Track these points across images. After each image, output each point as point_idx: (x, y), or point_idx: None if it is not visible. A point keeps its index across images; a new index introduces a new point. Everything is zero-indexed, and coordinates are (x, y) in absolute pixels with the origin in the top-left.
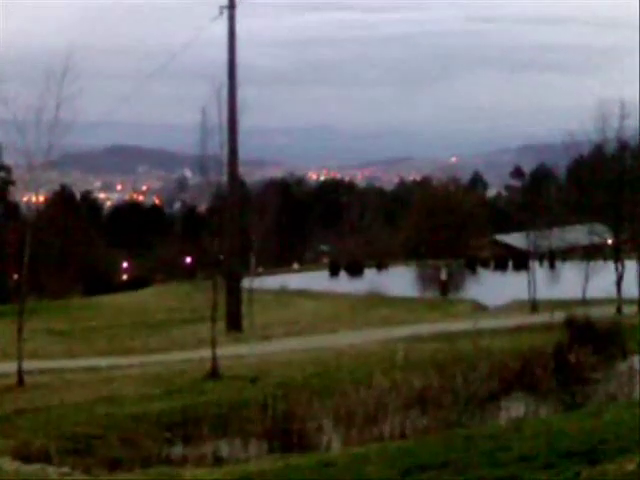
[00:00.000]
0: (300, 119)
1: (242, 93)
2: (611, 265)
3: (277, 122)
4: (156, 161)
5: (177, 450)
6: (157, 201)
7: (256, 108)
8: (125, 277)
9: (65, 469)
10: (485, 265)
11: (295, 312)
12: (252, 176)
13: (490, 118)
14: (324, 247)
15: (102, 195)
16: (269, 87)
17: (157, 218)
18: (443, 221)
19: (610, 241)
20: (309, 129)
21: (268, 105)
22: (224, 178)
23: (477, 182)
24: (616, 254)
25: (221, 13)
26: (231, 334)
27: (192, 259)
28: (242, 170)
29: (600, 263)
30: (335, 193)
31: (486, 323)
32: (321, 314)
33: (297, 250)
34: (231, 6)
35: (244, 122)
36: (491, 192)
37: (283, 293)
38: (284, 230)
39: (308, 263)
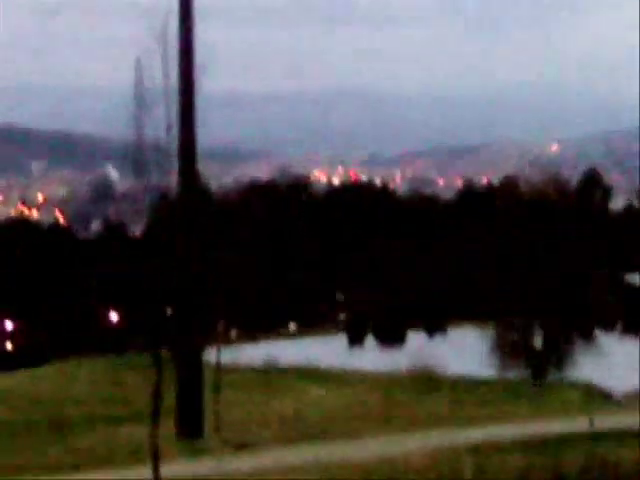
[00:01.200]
0: (302, 80)
1: (203, 36)
2: None
3: (263, 85)
4: (60, 153)
5: None
6: (61, 218)
7: (228, 62)
8: (9, 347)
9: None
10: (608, 324)
11: (292, 403)
12: (222, 177)
13: (615, 78)
14: (339, 296)
15: None
16: (249, 27)
17: (62, 246)
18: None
19: None
20: (316, 96)
21: (247, 56)
22: (173, 180)
23: (593, 185)
24: None
25: None
26: (185, 441)
27: (120, 317)
28: (204, 167)
29: None
30: (358, 204)
31: (609, 421)
32: (335, 407)
33: (295, 301)
34: None
35: (207, 85)
36: (617, 202)
37: (272, 372)
38: (273, 267)
39: (313, 323)
